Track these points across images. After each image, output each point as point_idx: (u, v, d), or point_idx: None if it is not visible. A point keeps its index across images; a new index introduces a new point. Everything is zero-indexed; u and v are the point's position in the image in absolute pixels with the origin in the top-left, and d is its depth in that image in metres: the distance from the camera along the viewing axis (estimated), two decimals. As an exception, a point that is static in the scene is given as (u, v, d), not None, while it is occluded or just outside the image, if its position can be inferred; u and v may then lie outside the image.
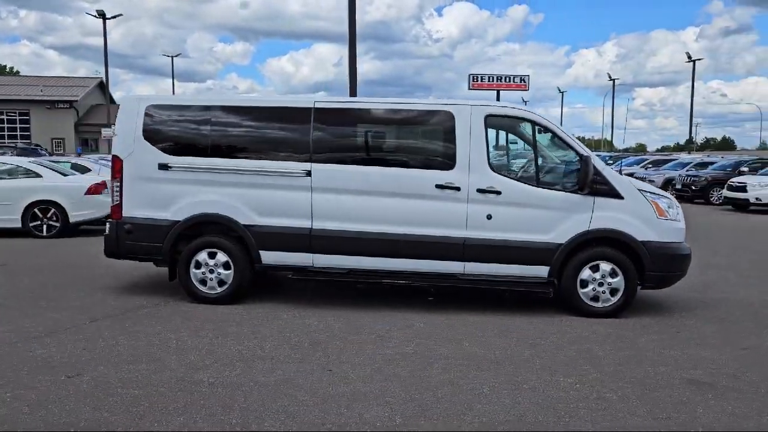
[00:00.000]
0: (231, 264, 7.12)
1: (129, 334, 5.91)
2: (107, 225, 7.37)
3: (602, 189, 6.85)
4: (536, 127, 7.02)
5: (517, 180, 6.96)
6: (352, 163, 7.05)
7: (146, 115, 7.21)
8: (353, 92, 12.59)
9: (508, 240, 6.87)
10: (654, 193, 7.12)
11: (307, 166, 6.99)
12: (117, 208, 7.26)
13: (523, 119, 7.06)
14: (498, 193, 6.85)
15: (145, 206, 7.20)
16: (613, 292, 6.90)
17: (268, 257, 7.11)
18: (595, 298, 6.92)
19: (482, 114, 6.94)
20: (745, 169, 23.26)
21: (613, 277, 6.88)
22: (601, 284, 6.89)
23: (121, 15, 41.30)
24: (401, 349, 5.63)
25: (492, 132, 7.22)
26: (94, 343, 5.63)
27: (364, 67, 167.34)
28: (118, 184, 7.23)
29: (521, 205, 6.87)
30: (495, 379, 4.92)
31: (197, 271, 7.17)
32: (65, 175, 13.15)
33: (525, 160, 7.34)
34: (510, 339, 6.02)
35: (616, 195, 6.86)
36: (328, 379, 4.84)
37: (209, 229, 7.23)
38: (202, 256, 7.16)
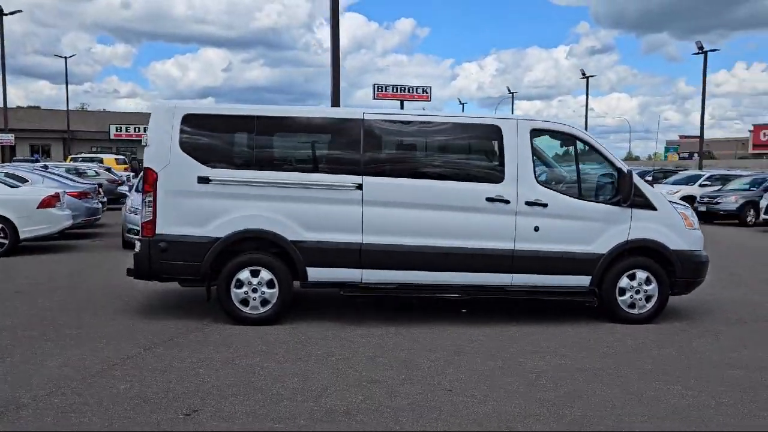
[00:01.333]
0: (275, 282, 6.78)
1: (203, 363, 5.46)
2: (138, 243, 6.78)
3: (638, 201, 7.19)
4: (577, 141, 7.27)
5: (562, 192, 7.16)
6: (403, 176, 6.95)
7: (183, 124, 6.72)
8: (336, 103, 12.39)
9: (554, 251, 7.04)
10: (677, 204, 7.58)
11: (357, 179, 6.80)
12: (150, 224, 6.69)
13: (567, 134, 7.27)
14: (545, 205, 7.01)
15: (182, 222, 6.70)
16: (648, 299, 7.25)
17: (315, 274, 6.84)
18: (632, 305, 7.24)
19: (528, 128, 7.08)
20: None
21: (648, 285, 7.23)
22: (637, 292, 7.22)
23: (20, 11, 37.81)
24: (492, 364, 5.62)
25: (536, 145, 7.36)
26: (176, 374, 5.15)
27: (253, 73, 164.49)
28: (151, 198, 6.68)
29: (566, 217, 7.07)
30: (611, 389, 5.02)
31: (239, 290, 6.76)
32: (12, 186, 11.91)
33: (566, 173, 7.55)
34: (578, 349, 6.16)
35: (651, 206, 7.23)
36: (459, 400, 4.73)
37: (250, 245, 6.84)
38: (245, 274, 6.76)
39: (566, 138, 7.33)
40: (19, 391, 4.70)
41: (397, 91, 56.04)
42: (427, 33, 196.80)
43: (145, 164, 6.74)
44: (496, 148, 7.06)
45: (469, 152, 7.27)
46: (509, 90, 60.15)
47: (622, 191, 7.10)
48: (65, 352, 5.67)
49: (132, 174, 29.40)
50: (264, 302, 6.80)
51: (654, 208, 7.24)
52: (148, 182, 6.68)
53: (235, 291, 6.76)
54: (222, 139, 6.91)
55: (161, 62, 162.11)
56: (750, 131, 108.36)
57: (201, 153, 6.76)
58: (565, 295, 7.23)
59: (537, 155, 7.19)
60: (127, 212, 12.29)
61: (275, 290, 6.79)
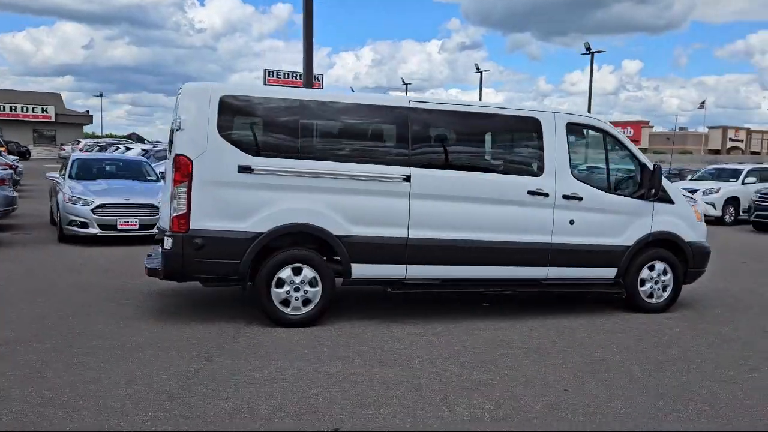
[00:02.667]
0: (318, 280, 6.31)
1: (286, 373, 4.93)
2: (168, 240, 6.01)
3: (660, 195, 7.45)
4: (607, 137, 7.39)
5: (594, 186, 7.25)
6: (450, 167, 6.71)
7: (221, 107, 6.03)
8: (308, 85, 11.73)
9: (586, 244, 7.13)
10: (688, 197, 7.96)
11: (405, 170, 6.47)
12: (183, 218, 5.96)
13: (598, 128, 7.37)
14: (580, 199, 7.07)
15: (220, 216, 6.03)
16: (665, 288, 7.56)
17: (360, 270, 6.45)
18: (651, 295, 7.52)
19: (564, 121, 7.09)
20: None
21: (665, 275, 7.53)
22: (656, 282, 7.50)
23: None
24: (577, 358, 5.57)
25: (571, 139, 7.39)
26: (269, 387, 4.61)
27: (117, 52, 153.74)
28: (185, 189, 5.94)
29: (598, 210, 7.18)
30: (706, 380, 5.14)
31: (279, 290, 6.21)
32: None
33: (597, 168, 7.65)
34: (628, 337, 6.28)
35: (669, 200, 7.52)
36: (590, 402, 4.63)
37: (291, 241, 6.31)
38: (287, 272, 6.22)
39: (597, 132, 7.42)
40: (113, 418, 3.98)
41: (288, 78, 54.96)
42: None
43: (178, 151, 5.98)
44: (536, 141, 7.00)
45: (511, 144, 7.17)
46: (403, 81, 60.45)
47: (650, 186, 7.31)
48: (114, 368, 4.91)
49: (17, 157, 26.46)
50: (306, 302, 6.30)
51: (672, 202, 7.54)
52: (182, 171, 5.94)
53: (275, 291, 6.21)
54: (264, 125, 6.31)
55: (10, 34, 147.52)
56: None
57: (242, 139, 6.12)
58: (593, 287, 7.36)
59: (571, 149, 7.23)
60: (66, 201, 11.01)
61: (318, 289, 6.32)
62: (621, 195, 7.36)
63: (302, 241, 6.34)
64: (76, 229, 10.84)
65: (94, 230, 10.88)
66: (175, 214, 5.97)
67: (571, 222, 7.04)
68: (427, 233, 6.56)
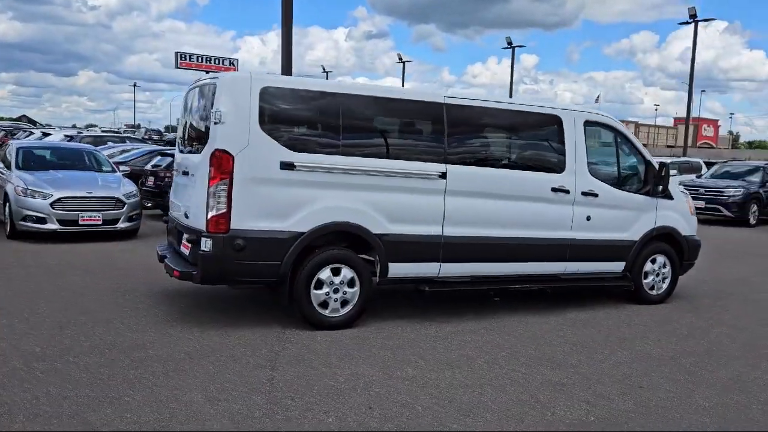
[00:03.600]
0: (356, 280, 6.11)
1: (368, 380, 4.74)
2: (206, 241, 5.59)
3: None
4: (617, 134, 7.61)
5: (607, 183, 7.44)
6: (482, 164, 6.69)
7: (262, 99, 5.67)
8: (287, 73, 11.17)
9: (600, 239, 7.35)
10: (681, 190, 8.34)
11: (442, 167, 6.37)
12: (223, 218, 5.57)
13: (610, 126, 7.57)
14: (596, 195, 7.25)
15: (261, 215, 5.69)
16: (664, 280, 7.92)
17: (396, 269, 6.31)
18: (652, 287, 7.86)
19: (582, 119, 7.24)
20: None
21: (664, 268, 7.89)
22: (657, 274, 7.85)
23: None
24: (624, 353, 5.71)
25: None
26: (357, 398, 4.42)
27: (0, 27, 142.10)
28: (226, 186, 5.55)
29: (611, 206, 7.40)
30: (755, 371, 5.43)
31: (319, 292, 5.97)
32: None
33: (609, 165, 7.84)
34: (651, 329, 6.53)
35: (669, 196, 7.87)
36: (664, 397, 4.76)
37: (330, 240, 6.07)
38: (326, 273, 5.98)
39: (609, 130, 7.62)
40: (225, 440, 3.67)
41: (201, 61, 52.93)
42: (207, 1, 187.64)
43: (218, 145, 5.57)
44: (558, 138, 7.09)
45: (537, 141, 7.20)
46: (324, 68, 59.49)
47: (658, 183, 7.61)
48: (181, 383, 4.53)
49: None
50: (343, 303, 6.09)
51: (671, 197, 7.89)
52: (223, 168, 5.54)
53: (315, 292, 5.95)
54: (306, 119, 6.01)
55: None
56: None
57: (283, 134, 5.79)
58: (604, 280, 7.58)
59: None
60: (19, 194, 10.08)
61: (356, 289, 6.12)
62: (629, 191, 7.60)
63: (340, 240, 6.11)
64: (31, 224, 9.94)
65: (53, 226, 10.01)
66: (214, 214, 5.57)
67: (588, 218, 7.21)
68: (460, 230, 6.51)
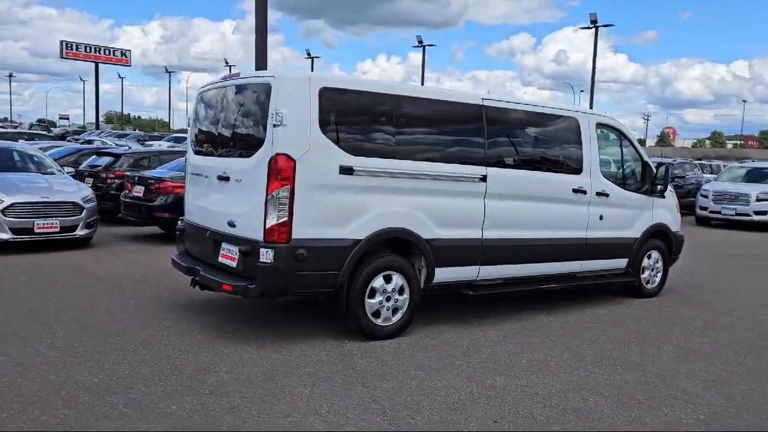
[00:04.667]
0: (406, 288, 5.95)
1: (462, 391, 4.62)
2: (267, 252, 5.19)
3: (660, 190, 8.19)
4: (622, 136, 7.91)
5: (616, 184, 7.72)
6: (516, 167, 6.72)
7: (321, 100, 5.35)
8: (263, 66, 10.47)
9: (610, 237, 7.63)
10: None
11: (482, 170, 6.34)
12: (284, 227, 5.20)
13: (615, 128, 7.85)
14: (607, 195, 7.51)
15: (321, 223, 5.39)
16: (657, 275, 8.35)
17: (441, 275, 6.21)
18: (648, 282, 8.26)
19: (595, 121, 7.47)
20: None
21: (657, 263, 8.33)
22: (653, 269, 8.27)
23: None
24: (669, 347, 5.94)
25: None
26: (472, 409, 4.29)
27: None
28: (288, 193, 5.19)
29: (619, 206, 7.69)
30: (788, 358, 5.83)
31: (372, 300, 5.75)
32: None
33: (616, 166, 8.10)
34: (670, 322, 6.86)
35: (663, 194, 8.29)
36: (742, 391, 4.99)
37: (383, 247, 5.85)
38: (379, 281, 5.77)
39: (614, 132, 7.89)
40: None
41: (90, 51, 49.81)
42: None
43: (279, 149, 5.18)
44: (576, 140, 7.26)
45: (560, 143, 7.30)
46: (226, 62, 56.87)
47: (657, 183, 8.00)
48: (290, 409, 4.19)
49: None
50: (394, 311, 5.91)
51: (663, 195, 8.31)
52: (283, 173, 5.17)
53: (369, 302, 5.73)
54: (363, 121, 5.73)
55: None
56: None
57: (342, 137, 5.50)
58: (610, 277, 7.86)
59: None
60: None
61: (406, 297, 5.96)
62: (632, 191, 7.93)
63: (388, 247, 5.91)
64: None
65: (4, 235, 8.98)
66: (275, 222, 5.20)
67: (601, 217, 7.45)
68: (497, 233, 6.51)
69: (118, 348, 5.22)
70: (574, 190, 7.15)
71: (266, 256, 5.20)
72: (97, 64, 48.68)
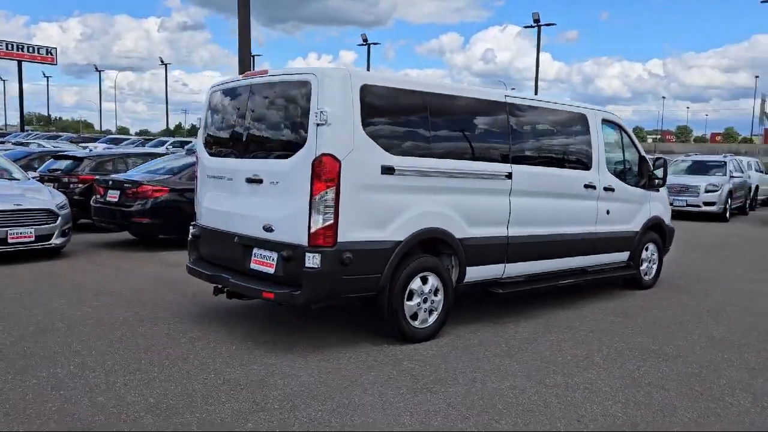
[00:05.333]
0: (440, 288, 5.85)
1: (532, 392, 4.56)
2: (313, 257, 4.97)
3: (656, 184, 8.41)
4: (623, 132, 8.07)
5: (619, 179, 7.86)
6: (537, 164, 6.74)
7: (362, 98, 5.17)
8: (247, 68, 9.96)
9: (615, 231, 7.78)
10: None
11: (508, 167, 6.32)
12: (330, 230, 5.00)
13: (617, 124, 7.99)
14: (613, 190, 7.65)
15: (364, 225, 5.21)
16: (652, 266, 8.57)
17: (472, 274, 6.15)
18: (646, 273, 8.47)
19: (600, 117, 7.60)
20: None
21: (654, 255, 8.55)
22: (650, 261, 8.49)
23: None
24: (701, 338, 6.08)
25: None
26: (551, 414, 4.24)
27: None
28: (333, 195, 4.99)
29: (623, 200, 7.86)
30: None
31: (411, 303, 5.62)
32: None
33: (618, 161, 8.22)
34: (687, 314, 7.05)
35: (657, 188, 8.52)
36: None
37: (420, 248, 5.73)
38: (417, 283, 5.65)
39: (617, 128, 8.03)
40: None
41: (12, 49, 47.29)
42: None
43: (324, 149, 4.97)
44: (586, 136, 7.34)
45: (573, 139, 7.35)
46: (161, 60, 54.54)
47: (663, 176, 8.24)
48: (355, 418, 4.02)
49: None
50: (429, 312, 5.81)
51: (658, 189, 8.54)
52: (329, 173, 4.97)
53: (408, 304, 5.60)
54: (401, 120, 5.57)
55: None
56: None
57: (382, 136, 5.34)
58: (617, 270, 8.00)
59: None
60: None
61: (440, 297, 5.86)
62: (633, 185, 8.10)
63: (423, 247, 5.80)
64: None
65: (-25, 247, 8.31)
66: (321, 226, 4.99)
67: (608, 212, 7.58)
68: (521, 230, 6.51)
69: (155, 363, 4.88)
70: (586, 186, 7.24)
71: (313, 261, 4.99)
72: (20, 62, 46.15)
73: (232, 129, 6.00)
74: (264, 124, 5.68)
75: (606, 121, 7.82)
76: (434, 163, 5.66)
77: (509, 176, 6.31)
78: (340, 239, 5.05)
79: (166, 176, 10.30)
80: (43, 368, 4.74)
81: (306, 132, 5.09)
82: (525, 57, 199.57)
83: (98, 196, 10.50)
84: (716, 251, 12.01)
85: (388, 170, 5.31)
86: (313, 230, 5.00)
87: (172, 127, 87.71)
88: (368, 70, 45.79)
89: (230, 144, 5.99)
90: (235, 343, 5.45)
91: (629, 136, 8.19)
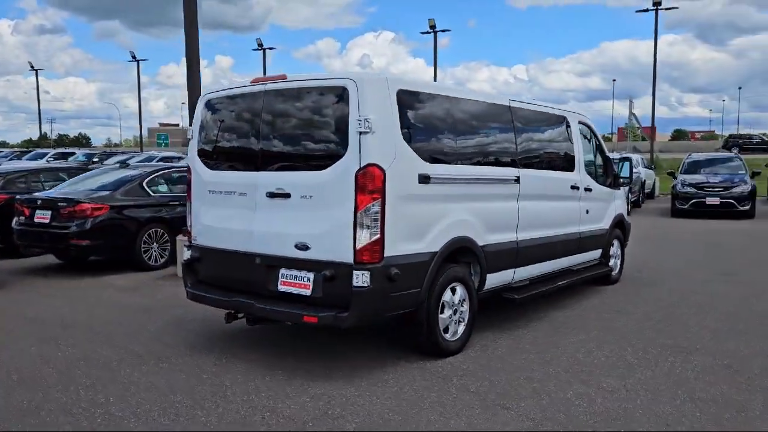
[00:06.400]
0: (467, 298, 5.70)
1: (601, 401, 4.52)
2: (362, 275, 4.61)
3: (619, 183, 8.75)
4: (592, 133, 8.30)
5: (593, 179, 8.08)
6: (538, 167, 6.76)
7: (399, 104, 4.90)
8: (196, 75, 8.92)
9: (593, 230, 8.01)
10: None
11: (516, 171, 6.29)
12: (377, 245, 4.68)
13: (589, 126, 8.20)
14: (591, 190, 7.87)
15: (406, 237, 4.94)
16: (617, 262, 8.92)
17: (489, 281, 6.05)
18: (612, 270, 8.79)
19: (577, 119, 7.78)
20: None
21: (618, 250, 8.90)
22: (616, 257, 8.82)
23: None
24: (718, 324, 6.35)
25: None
26: (626, 417, 4.21)
27: None
28: (379, 208, 4.68)
29: (597, 200, 8.10)
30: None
31: (444, 315, 5.42)
32: None
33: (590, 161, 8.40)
34: (671, 307, 7.37)
35: (618, 188, 8.87)
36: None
37: (449, 258, 5.53)
38: (448, 294, 5.46)
39: (588, 129, 8.24)
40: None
41: None
42: None
43: (370, 159, 4.63)
44: (569, 139, 7.48)
45: (560, 142, 7.41)
46: (134, 56, 47.02)
47: (628, 176, 8.54)
48: (460, 445, 3.77)
49: None
50: (458, 324, 5.64)
51: (618, 188, 8.89)
52: (374, 185, 4.65)
53: (441, 317, 5.39)
54: (433, 126, 5.33)
55: None
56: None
57: (417, 143, 5.09)
58: (594, 268, 8.21)
59: None
60: None
61: (467, 308, 5.71)
62: (602, 184, 8.36)
63: (449, 257, 5.61)
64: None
65: None
66: (368, 241, 4.66)
67: (587, 211, 7.78)
68: (527, 234, 6.52)
69: (196, 406, 4.34)
70: (572, 187, 7.37)
71: (361, 279, 4.65)
72: None
73: (242, 139, 5.48)
74: (287, 134, 5.21)
75: (582, 123, 8.01)
76: (462, 170, 5.52)
77: (517, 180, 6.27)
78: (386, 254, 4.76)
79: (105, 192, 9.36)
80: (76, 416, 4.07)
81: (344, 141, 4.74)
82: (400, 63, 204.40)
83: (23, 218, 9.34)
84: (647, 243, 12.69)
85: (424, 179, 5.08)
86: (359, 246, 4.67)
87: (35, 137, 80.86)
88: (264, 74, 44.75)
89: (240, 156, 5.47)
90: (267, 375, 4.97)
91: (597, 136, 8.45)
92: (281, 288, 5.05)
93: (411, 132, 5.04)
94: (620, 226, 8.88)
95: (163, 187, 10.08)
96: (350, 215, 4.68)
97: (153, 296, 7.84)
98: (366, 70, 5.24)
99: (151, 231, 9.56)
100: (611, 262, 8.61)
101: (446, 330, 5.46)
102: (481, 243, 5.76)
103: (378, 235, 4.69)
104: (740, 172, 19.03)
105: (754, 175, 18.76)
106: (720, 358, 5.44)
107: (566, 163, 7.43)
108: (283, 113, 5.19)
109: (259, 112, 5.29)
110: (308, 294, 4.91)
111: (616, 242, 8.76)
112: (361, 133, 4.66)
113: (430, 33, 33.75)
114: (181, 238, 9.13)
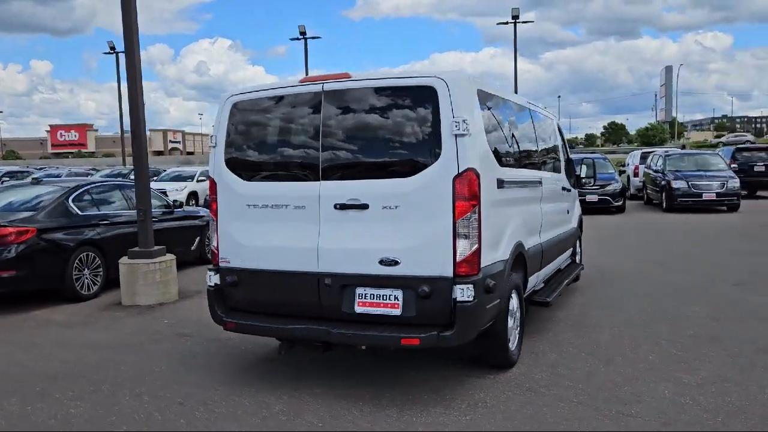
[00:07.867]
0: (518, 306, 5.54)
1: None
2: (464, 290, 4.24)
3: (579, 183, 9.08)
4: (561, 135, 8.50)
5: (567, 180, 8.29)
6: (548, 170, 6.81)
7: (480, 104, 4.62)
8: (138, 98, 7.33)
9: (570, 229, 8.23)
10: None
11: (540, 174, 6.28)
12: (476, 256, 4.35)
13: (560, 128, 8.38)
14: (569, 191, 8.09)
15: (491, 245, 4.66)
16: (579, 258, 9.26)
17: (528, 286, 5.94)
18: (583, 266, 9.10)
19: (556, 121, 7.96)
20: None
21: (579, 248, 9.24)
22: (578, 254, 9.14)
23: None
24: (720, 313, 6.69)
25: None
26: (734, 414, 4.28)
27: None
28: (476, 216, 4.34)
29: (572, 199, 8.36)
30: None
31: (510, 325, 5.21)
32: None
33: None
34: (655, 301, 7.74)
35: (581, 186, 9.21)
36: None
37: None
38: (512, 303, 5.25)
39: (559, 131, 8.41)
40: None
41: None
42: None
43: (466, 164, 4.28)
44: (556, 140, 7.62)
45: (554, 144, 7.47)
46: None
47: (588, 176, 8.84)
48: None
49: None
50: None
51: (576, 188, 9.23)
52: (472, 192, 4.31)
53: (508, 327, 5.18)
54: (502, 129, 5.09)
55: None
56: (47, 131, 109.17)
57: (495, 146, 4.84)
58: (573, 267, 8.41)
59: None
60: None
61: (519, 315, 5.55)
62: (571, 185, 8.60)
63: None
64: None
65: None
66: (469, 252, 4.32)
67: (567, 212, 7.98)
68: (546, 236, 6.55)
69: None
70: (564, 188, 7.52)
71: (466, 293, 4.29)
72: None
73: (294, 145, 4.84)
74: (359, 139, 4.65)
75: (557, 126, 8.18)
76: (519, 174, 5.39)
77: (541, 183, 6.24)
78: (482, 264, 4.45)
79: (29, 213, 7.97)
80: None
81: (436, 145, 4.36)
82: (239, 70, 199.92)
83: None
84: (603, 241, 12.99)
85: (501, 183, 4.84)
86: (459, 258, 4.31)
87: None
88: (117, 81, 40.93)
89: (292, 164, 4.82)
90: (308, 403, 4.43)
91: (563, 138, 8.69)
92: (359, 309, 4.53)
93: (489, 134, 4.78)
94: (580, 225, 9.20)
95: (91, 205, 8.81)
96: (448, 224, 4.31)
97: (119, 330, 6.78)
98: (450, 70, 4.83)
99: (81, 255, 8.30)
100: (577, 259, 8.89)
101: (509, 340, 5.25)
102: (527, 247, 5.64)
103: (476, 245, 4.37)
104: (610, 171, 20.72)
105: (621, 173, 20.54)
106: (747, 342, 5.72)
107: (558, 164, 7.55)
108: (351, 116, 4.66)
109: (315, 115, 4.71)
110: (398, 314, 4.44)
111: (577, 241, 9.07)
112: (457, 135, 4.31)
113: (299, 39, 33.18)
114: (127, 261, 8.07)
